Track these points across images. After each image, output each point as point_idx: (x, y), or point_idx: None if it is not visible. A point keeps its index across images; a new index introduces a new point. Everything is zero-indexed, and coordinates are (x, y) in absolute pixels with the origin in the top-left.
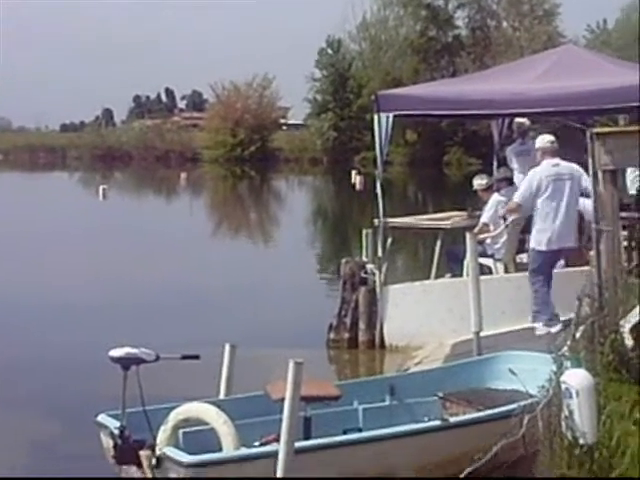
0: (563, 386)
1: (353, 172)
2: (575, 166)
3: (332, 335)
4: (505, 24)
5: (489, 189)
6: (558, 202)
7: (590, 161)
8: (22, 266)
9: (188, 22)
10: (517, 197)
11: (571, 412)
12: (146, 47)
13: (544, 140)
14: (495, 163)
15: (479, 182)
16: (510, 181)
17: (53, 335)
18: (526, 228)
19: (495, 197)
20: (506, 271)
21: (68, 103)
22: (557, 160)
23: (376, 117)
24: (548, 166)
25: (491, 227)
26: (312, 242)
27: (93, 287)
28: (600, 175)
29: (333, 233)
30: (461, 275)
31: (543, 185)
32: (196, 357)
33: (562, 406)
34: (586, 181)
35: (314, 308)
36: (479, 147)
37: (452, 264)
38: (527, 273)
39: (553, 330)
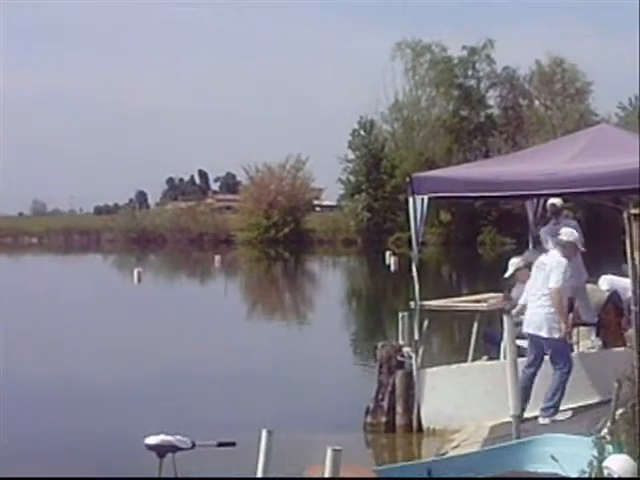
0: (605, 472)
1: (387, 253)
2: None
3: (369, 419)
4: (537, 103)
5: (527, 268)
6: None
7: (627, 241)
8: (58, 350)
9: (221, 103)
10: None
11: None
12: (179, 129)
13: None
14: (530, 244)
15: (517, 262)
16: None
17: (91, 422)
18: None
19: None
20: None
21: (102, 186)
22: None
23: (411, 199)
24: None
25: (520, 300)
26: (347, 324)
27: (129, 370)
28: (638, 256)
29: (368, 314)
30: (498, 357)
31: None
32: (232, 444)
33: None
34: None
35: (350, 391)
36: (513, 226)
37: (489, 346)
38: None
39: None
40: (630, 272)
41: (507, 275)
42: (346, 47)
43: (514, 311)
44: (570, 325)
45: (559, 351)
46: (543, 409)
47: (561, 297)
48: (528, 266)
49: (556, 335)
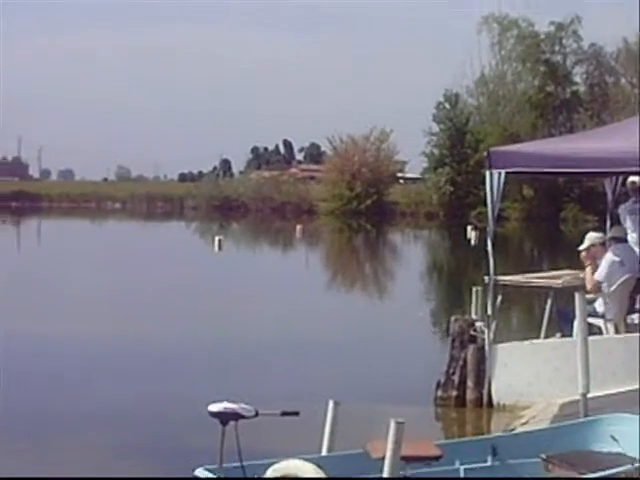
0: None
1: (469, 227)
2: None
3: (440, 392)
4: (623, 80)
5: (602, 245)
6: None
7: None
8: (135, 315)
9: (308, 74)
10: None
11: None
12: (265, 98)
13: None
14: (609, 221)
15: (597, 236)
16: (619, 240)
17: (157, 386)
18: (637, 288)
19: (609, 256)
20: (617, 331)
21: (187, 153)
22: None
23: (488, 174)
24: None
25: (604, 285)
26: (426, 297)
27: (202, 337)
28: None
29: (447, 288)
30: (571, 335)
31: None
32: (296, 414)
33: None
34: None
35: (424, 364)
36: (596, 204)
37: (563, 324)
38: (637, 334)
39: None
40: None
41: (581, 248)
42: (434, 20)
43: (589, 287)
44: None
45: None
46: None
47: None
48: (604, 243)
49: None
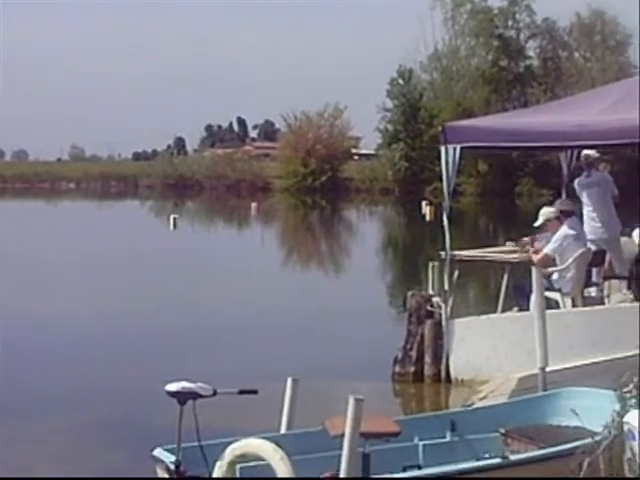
0: (625, 427)
1: (423, 203)
2: None
3: (397, 368)
4: (577, 55)
5: (557, 220)
6: None
7: None
8: (90, 294)
9: (261, 51)
10: None
11: (634, 454)
12: (218, 76)
13: None
14: (564, 195)
15: (549, 211)
16: (568, 213)
17: (115, 364)
18: (594, 261)
19: (564, 229)
20: (574, 305)
21: (140, 132)
22: None
23: (443, 149)
24: None
25: (557, 259)
26: (382, 273)
27: (158, 316)
28: None
29: (403, 264)
30: (528, 309)
31: None
32: (254, 392)
33: (625, 447)
34: None
35: (380, 340)
36: (550, 178)
37: (519, 298)
38: (595, 307)
39: None
40: None
41: (537, 224)
42: None
43: (537, 259)
44: (602, 277)
45: None
46: None
47: None
48: (558, 217)
49: None
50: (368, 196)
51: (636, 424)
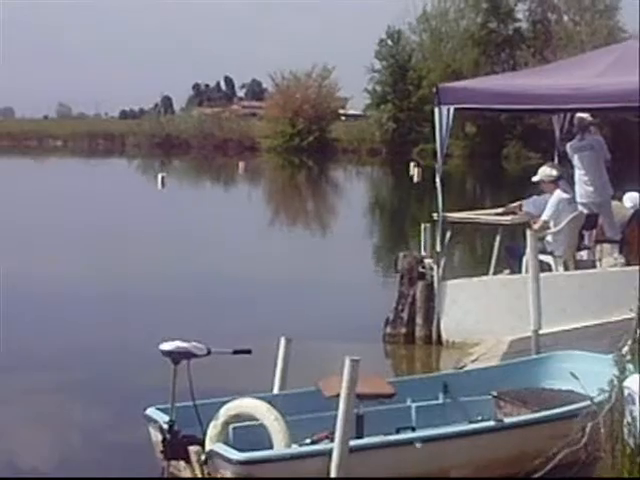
0: (626, 391)
1: (411, 164)
2: None
3: (389, 329)
4: (566, 18)
5: (555, 182)
6: None
7: None
8: (82, 254)
9: (249, 11)
10: None
11: (634, 418)
12: (207, 35)
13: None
14: (556, 158)
15: (549, 173)
16: (558, 178)
17: (107, 325)
18: (586, 225)
19: (558, 194)
20: (566, 269)
21: (128, 90)
22: None
23: (437, 110)
24: None
25: (551, 224)
26: (369, 233)
27: (148, 277)
28: None
29: (391, 225)
30: (520, 272)
31: None
32: (248, 352)
33: (625, 412)
34: None
35: (370, 301)
36: (538, 141)
37: (511, 261)
38: (587, 270)
39: None
40: None
41: (535, 179)
42: None
43: (536, 226)
44: (593, 241)
45: None
46: None
47: None
48: (554, 181)
49: None
50: (355, 157)
51: (636, 388)
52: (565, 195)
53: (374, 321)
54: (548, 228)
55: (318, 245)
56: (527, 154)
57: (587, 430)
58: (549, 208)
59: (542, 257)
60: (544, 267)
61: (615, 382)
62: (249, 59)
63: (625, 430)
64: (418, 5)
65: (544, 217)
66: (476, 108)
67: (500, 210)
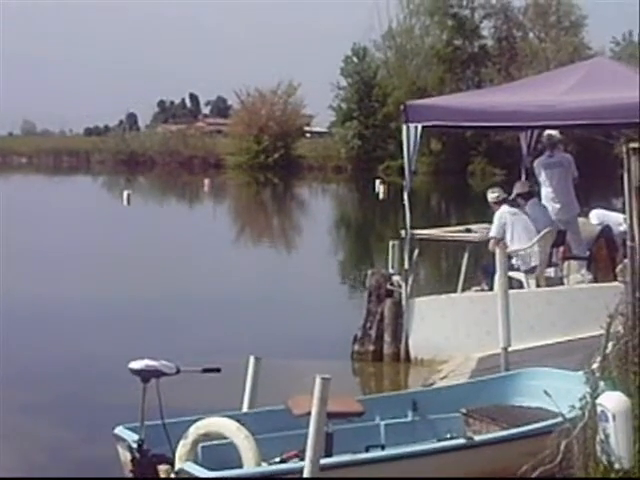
0: (599, 409)
1: (377, 181)
2: None
3: (357, 347)
4: (531, 35)
5: (501, 202)
6: None
7: (625, 176)
8: (48, 274)
9: (214, 27)
10: None
11: (607, 436)
12: (171, 52)
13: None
14: (523, 175)
15: (491, 195)
16: (525, 195)
17: (76, 344)
18: (556, 242)
19: (502, 209)
20: (538, 285)
21: (93, 107)
22: None
23: (404, 127)
24: None
25: (507, 238)
26: (335, 251)
27: (116, 295)
28: (635, 191)
29: (356, 242)
30: (492, 289)
31: None
32: (217, 370)
33: (598, 429)
34: None
35: (337, 319)
36: (503, 157)
37: (485, 279)
38: (554, 287)
39: None
40: (627, 207)
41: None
42: None
43: (490, 245)
44: (561, 258)
45: None
46: None
47: None
48: (498, 202)
49: None
50: (321, 174)
51: (609, 406)
52: (507, 208)
53: (342, 339)
54: (500, 245)
55: (284, 262)
56: (492, 170)
57: (561, 448)
58: (494, 225)
59: (514, 274)
60: (514, 285)
61: (588, 399)
62: (214, 76)
63: (598, 447)
64: (384, 22)
65: (491, 234)
66: (444, 125)
67: (472, 226)
